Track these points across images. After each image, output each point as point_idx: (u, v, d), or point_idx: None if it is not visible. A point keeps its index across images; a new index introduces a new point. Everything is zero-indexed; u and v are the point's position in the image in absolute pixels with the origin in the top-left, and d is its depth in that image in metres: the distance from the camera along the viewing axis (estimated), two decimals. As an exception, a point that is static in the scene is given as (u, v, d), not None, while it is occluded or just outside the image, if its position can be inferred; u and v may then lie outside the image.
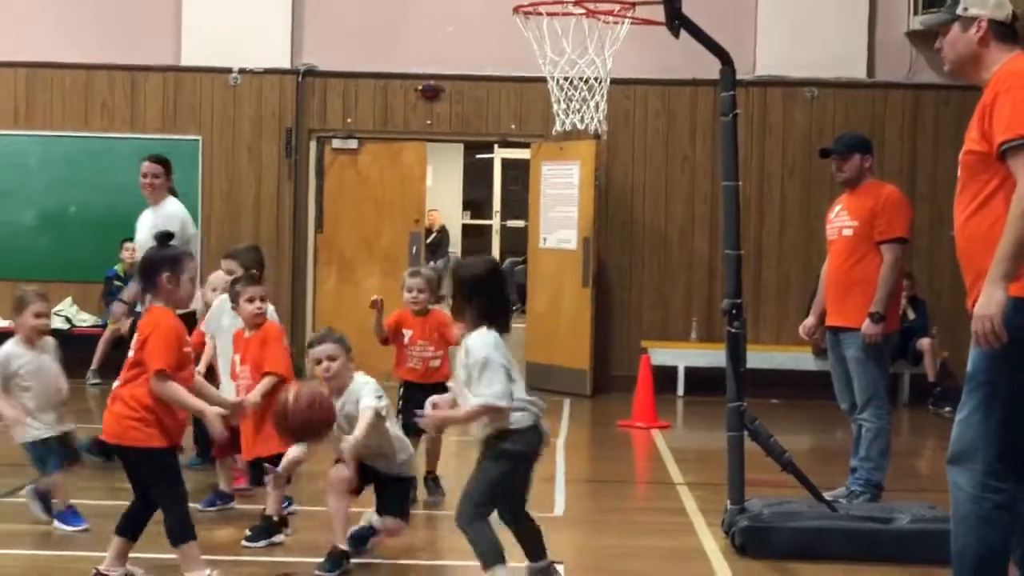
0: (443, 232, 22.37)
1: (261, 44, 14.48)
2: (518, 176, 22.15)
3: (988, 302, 4.72)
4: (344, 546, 6.42)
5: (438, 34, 14.50)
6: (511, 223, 23.02)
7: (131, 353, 5.82)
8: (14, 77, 14.57)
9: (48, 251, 14.53)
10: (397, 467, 6.62)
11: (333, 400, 6.42)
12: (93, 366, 13.95)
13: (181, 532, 5.77)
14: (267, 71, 14.54)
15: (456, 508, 5.75)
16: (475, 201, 24.41)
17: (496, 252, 23.48)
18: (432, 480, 8.29)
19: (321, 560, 6.38)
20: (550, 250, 14.33)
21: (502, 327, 5.70)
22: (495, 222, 23.87)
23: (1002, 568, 5.02)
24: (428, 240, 17.74)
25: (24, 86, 14.60)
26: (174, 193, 9.90)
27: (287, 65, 14.55)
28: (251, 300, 7.38)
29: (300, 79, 14.54)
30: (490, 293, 5.70)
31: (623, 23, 11.68)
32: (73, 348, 13.79)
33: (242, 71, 14.53)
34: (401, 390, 8.20)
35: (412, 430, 7.46)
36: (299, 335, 14.30)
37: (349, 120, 14.65)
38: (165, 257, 5.96)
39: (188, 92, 14.59)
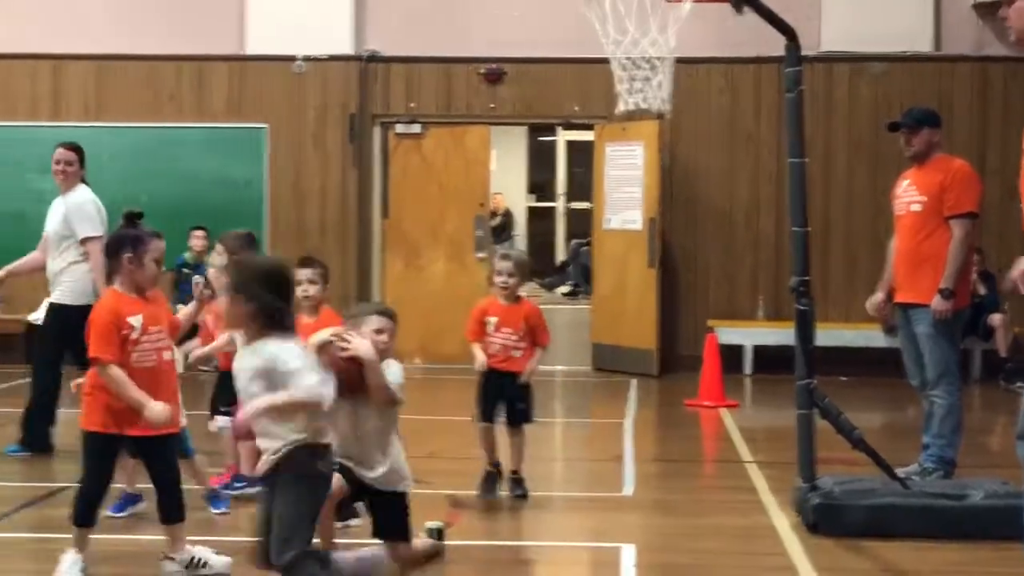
0: (508, 216, 22.37)
1: (325, 31, 14.57)
2: (582, 158, 22.12)
3: None
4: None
5: (500, 17, 14.52)
6: (575, 205, 22.99)
7: None
8: (84, 71, 14.76)
9: (119, 241, 14.67)
10: (388, 477, 5.64)
11: None
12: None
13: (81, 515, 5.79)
14: (331, 58, 14.62)
15: (271, 552, 4.98)
16: (539, 183, 24.36)
17: (561, 234, 23.46)
18: (515, 480, 7.75)
19: None
20: (615, 231, 14.32)
21: (288, 332, 5.05)
22: (559, 204, 23.84)
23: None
24: (493, 224, 17.76)
25: (94, 79, 14.78)
26: (85, 182, 9.56)
27: (351, 51, 14.63)
28: (297, 283, 6.89)
29: (364, 65, 14.62)
30: (277, 292, 5.04)
31: (686, 1, 11.61)
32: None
33: (306, 58, 14.62)
34: (481, 379, 7.74)
35: (488, 418, 7.52)
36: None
37: (413, 105, 14.70)
38: (127, 237, 5.82)
39: (253, 80, 14.70)
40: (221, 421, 7.61)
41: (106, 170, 14.75)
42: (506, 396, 7.67)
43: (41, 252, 9.44)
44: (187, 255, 14.33)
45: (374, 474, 5.59)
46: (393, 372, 5.61)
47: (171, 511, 5.89)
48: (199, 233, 14.25)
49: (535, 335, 7.71)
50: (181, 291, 14.19)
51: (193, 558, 5.91)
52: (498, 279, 7.74)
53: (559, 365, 14.34)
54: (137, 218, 5.96)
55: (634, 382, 13.25)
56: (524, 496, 7.65)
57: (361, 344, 5.47)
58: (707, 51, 14.03)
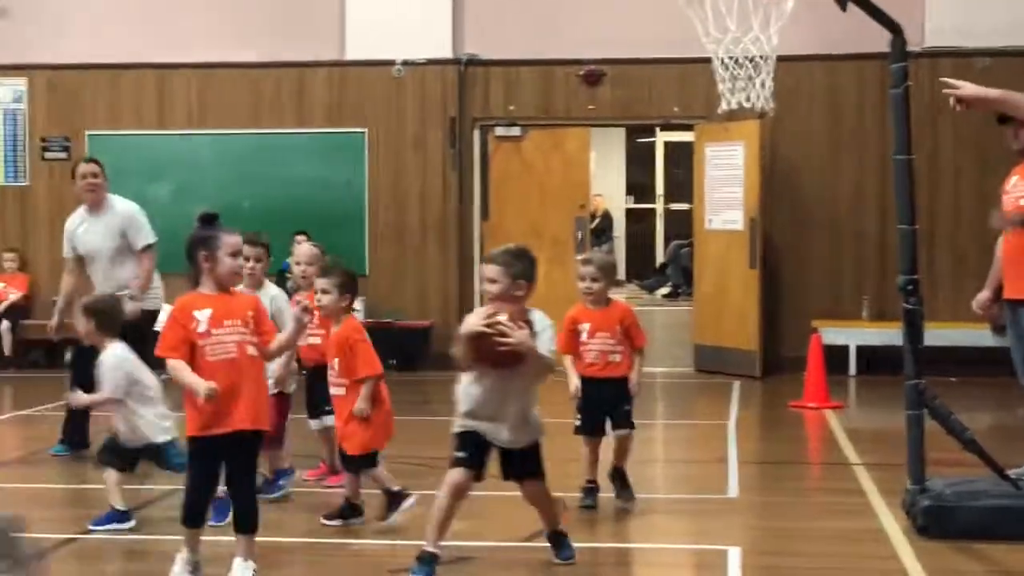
0: (607, 217, 22.32)
1: (423, 35, 14.65)
2: (680, 158, 22.00)
3: None
4: (437, 550, 5.93)
5: (599, 18, 14.48)
6: (674, 206, 22.88)
7: None
8: (187, 79, 14.98)
9: (223, 246, 14.84)
10: (530, 433, 6.06)
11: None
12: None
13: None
14: (430, 62, 14.69)
15: None
16: (638, 185, 24.28)
17: (660, 235, 23.36)
18: (619, 478, 7.56)
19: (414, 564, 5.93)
20: (716, 231, 14.22)
21: None
22: (659, 205, 23.74)
23: None
24: (592, 225, 17.73)
25: (196, 87, 15.00)
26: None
27: (449, 55, 14.69)
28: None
29: (462, 68, 14.67)
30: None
31: (789, -2, 11.51)
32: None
33: (405, 63, 14.71)
34: (579, 389, 7.42)
35: (589, 430, 7.46)
36: (468, 322, 14.45)
37: (512, 108, 14.72)
38: (200, 237, 5.81)
39: (353, 86, 14.82)
40: (327, 420, 7.70)
41: (208, 176, 15.03)
42: (609, 403, 7.44)
43: (73, 275, 9.47)
44: (291, 259, 14.45)
45: (514, 436, 5.96)
46: (546, 339, 5.87)
47: (243, 520, 5.80)
48: (301, 238, 14.37)
49: (631, 337, 7.47)
50: (286, 293, 14.34)
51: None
52: (582, 285, 7.43)
53: (660, 367, 14.27)
54: (212, 219, 5.91)
55: (737, 383, 13.14)
56: (631, 498, 7.51)
57: (520, 336, 5.68)
58: (808, 49, 13.89)
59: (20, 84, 15.15)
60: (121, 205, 9.47)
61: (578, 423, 7.51)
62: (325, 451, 8.09)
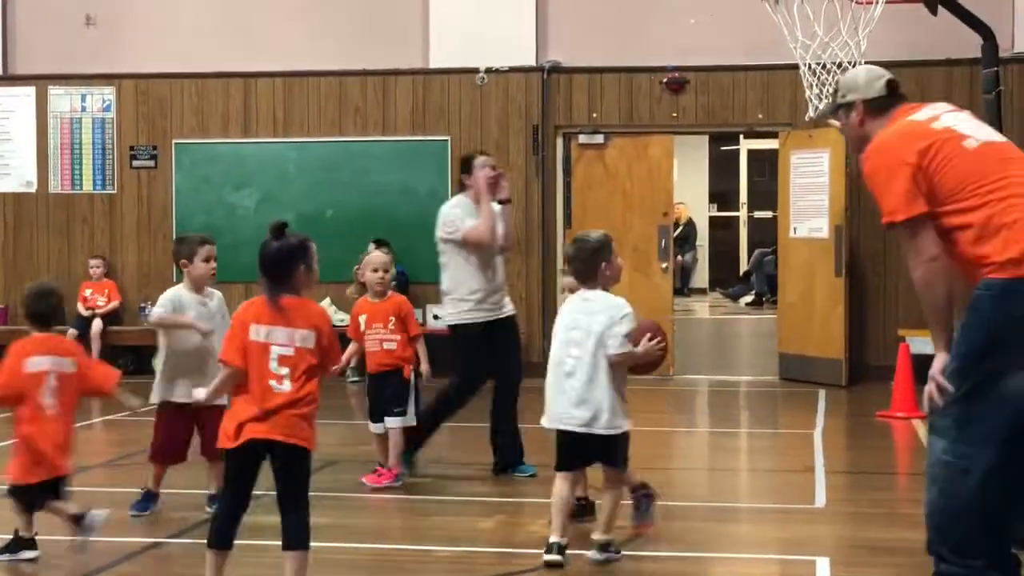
0: (690, 225, 22.25)
1: (507, 43, 14.66)
2: (764, 166, 21.87)
3: None
4: (563, 539, 6.25)
5: (682, 25, 14.43)
6: (758, 214, 22.75)
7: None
8: (272, 87, 15.11)
9: (307, 253, 14.92)
10: (612, 421, 6.33)
11: None
12: (351, 364, 14.28)
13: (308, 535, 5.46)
14: (512, 69, 14.70)
15: None
16: (721, 193, 24.18)
17: (744, 243, 23.22)
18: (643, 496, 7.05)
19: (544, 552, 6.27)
20: (801, 239, 14.09)
21: None
22: (742, 213, 23.61)
23: None
24: (676, 233, 17.65)
25: (282, 95, 15.12)
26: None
27: (532, 63, 14.69)
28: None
29: (545, 76, 14.67)
30: None
31: (878, 3, 11.36)
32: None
33: (488, 70, 14.73)
34: None
35: None
36: (550, 329, 14.43)
37: (595, 115, 14.69)
38: (296, 246, 5.59)
39: (436, 93, 14.87)
40: (390, 422, 7.85)
41: (293, 184, 15.14)
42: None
43: None
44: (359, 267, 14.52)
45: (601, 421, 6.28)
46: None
47: (289, 535, 5.43)
48: (374, 247, 14.45)
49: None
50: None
51: None
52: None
53: (744, 375, 14.14)
54: (282, 229, 5.67)
55: (823, 392, 13.00)
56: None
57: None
58: (895, 55, 13.66)
59: (109, 93, 15.37)
60: None
61: None
62: (382, 455, 8.20)
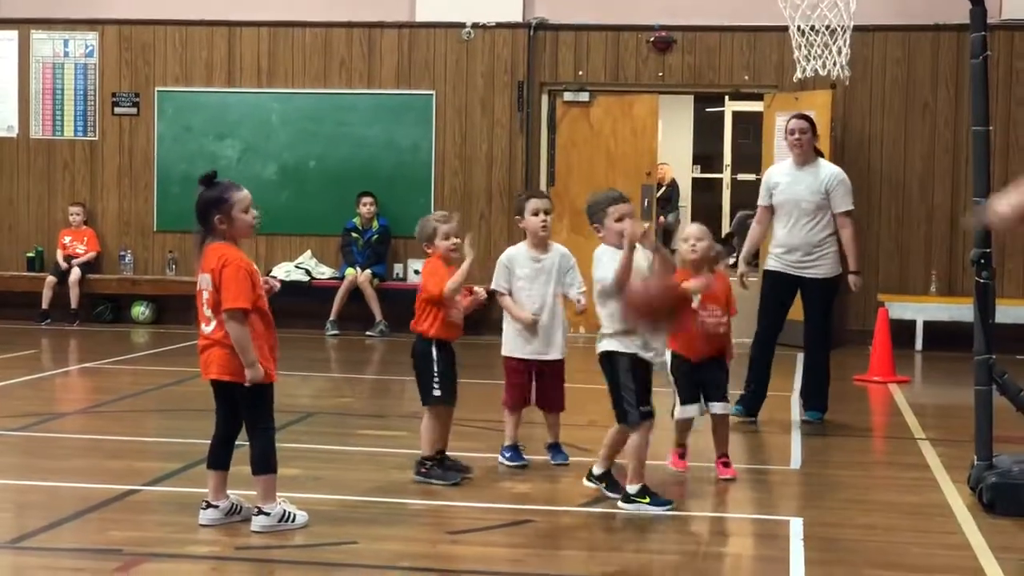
0: (673, 186, 22.19)
1: (494, -2, 14.59)
2: (749, 128, 21.81)
3: None
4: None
5: (670, -16, 14.36)
6: (741, 176, 22.72)
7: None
8: (257, 37, 15.00)
9: (288, 205, 14.91)
10: None
11: None
12: (332, 317, 14.30)
13: (264, 463, 6.01)
14: (499, 25, 14.62)
15: None
16: (705, 155, 24.14)
17: (727, 206, 23.22)
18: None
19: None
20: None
21: None
22: (726, 176, 23.58)
23: None
24: (658, 194, 17.62)
25: (267, 45, 15.02)
26: (820, 153, 9.49)
27: (519, 19, 14.62)
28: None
29: (532, 32, 14.59)
30: None
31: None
32: (313, 299, 14.27)
33: (475, 25, 14.65)
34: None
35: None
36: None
37: (580, 73, 14.63)
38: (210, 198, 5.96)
39: (422, 48, 14.79)
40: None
41: (276, 135, 15.06)
42: None
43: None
44: (356, 219, 14.51)
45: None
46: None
47: (252, 462, 6.03)
48: (367, 200, 14.43)
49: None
50: (348, 254, 14.42)
51: (285, 512, 6.04)
52: (684, 246, 7.45)
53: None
54: (211, 179, 6.04)
55: (800, 355, 12.99)
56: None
57: None
58: (883, 19, 13.71)
59: (92, 38, 15.25)
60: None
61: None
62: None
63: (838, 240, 9.23)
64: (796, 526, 6.33)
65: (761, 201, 9.46)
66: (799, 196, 9.10)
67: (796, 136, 9.18)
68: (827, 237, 9.15)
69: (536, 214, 7.68)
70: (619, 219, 6.63)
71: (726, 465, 7.38)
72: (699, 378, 7.41)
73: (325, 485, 6.98)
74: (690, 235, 7.48)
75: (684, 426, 7.51)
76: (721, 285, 7.50)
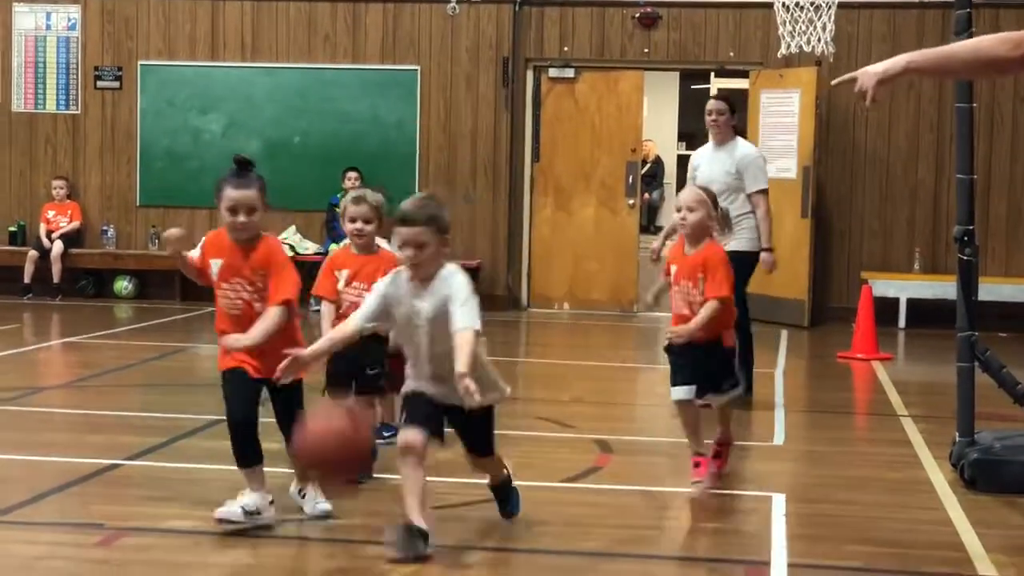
0: (658, 163, 22.21)
1: (479, -27, 14.53)
2: (733, 106, 21.78)
3: None
4: (421, 523, 5.30)
5: (656, -40, 14.32)
6: (726, 154, 22.70)
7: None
8: (241, 11, 14.93)
9: (272, 180, 14.55)
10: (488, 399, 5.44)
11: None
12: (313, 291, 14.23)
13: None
14: (484, 0, 14.57)
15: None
16: (690, 132, 24.11)
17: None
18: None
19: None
20: (769, 180, 14.03)
21: None
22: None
23: None
24: (643, 171, 17.60)
25: (251, 19, 14.94)
26: (741, 133, 9.43)
27: (504, -6, 14.57)
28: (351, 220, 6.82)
29: (517, 8, 14.55)
30: None
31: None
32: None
33: (460, 1, 14.59)
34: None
35: None
36: (514, 263, 14.51)
37: (566, 49, 14.60)
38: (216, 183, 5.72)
39: (407, 23, 14.73)
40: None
41: (260, 110, 15.00)
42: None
43: None
44: (341, 195, 14.45)
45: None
46: (462, 317, 5.36)
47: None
48: (352, 175, 14.38)
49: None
50: (333, 229, 14.38)
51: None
52: (677, 215, 6.79)
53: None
54: (246, 166, 5.72)
55: (784, 332, 13.06)
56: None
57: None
58: (869, -4, 13.70)
59: (74, 11, 15.15)
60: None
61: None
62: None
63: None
64: (778, 502, 6.34)
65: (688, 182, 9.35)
66: (714, 176, 9.04)
67: (713, 117, 9.22)
68: (743, 215, 9.07)
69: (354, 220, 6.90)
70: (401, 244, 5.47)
71: (695, 465, 6.68)
72: (692, 362, 6.54)
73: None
74: (682, 202, 6.73)
75: (681, 414, 6.74)
76: (696, 259, 6.58)
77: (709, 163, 9.18)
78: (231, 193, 5.62)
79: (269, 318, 5.55)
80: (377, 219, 6.85)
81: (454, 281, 5.37)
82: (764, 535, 5.83)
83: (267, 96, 14.97)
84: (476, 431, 5.64)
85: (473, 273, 14.47)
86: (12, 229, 15.13)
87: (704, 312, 6.46)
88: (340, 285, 6.84)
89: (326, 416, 5.40)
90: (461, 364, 5.09)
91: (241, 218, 5.61)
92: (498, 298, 14.39)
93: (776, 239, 13.79)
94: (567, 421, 8.13)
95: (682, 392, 6.62)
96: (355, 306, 6.06)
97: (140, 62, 15.07)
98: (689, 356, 6.56)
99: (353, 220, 6.83)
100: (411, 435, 5.34)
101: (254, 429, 5.60)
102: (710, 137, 9.29)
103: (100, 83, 15.14)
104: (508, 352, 12.01)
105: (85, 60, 15.15)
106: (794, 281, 13.68)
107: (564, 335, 13.68)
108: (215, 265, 5.67)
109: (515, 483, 5.93)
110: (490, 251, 14.63)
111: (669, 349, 6.68)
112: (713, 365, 6.59)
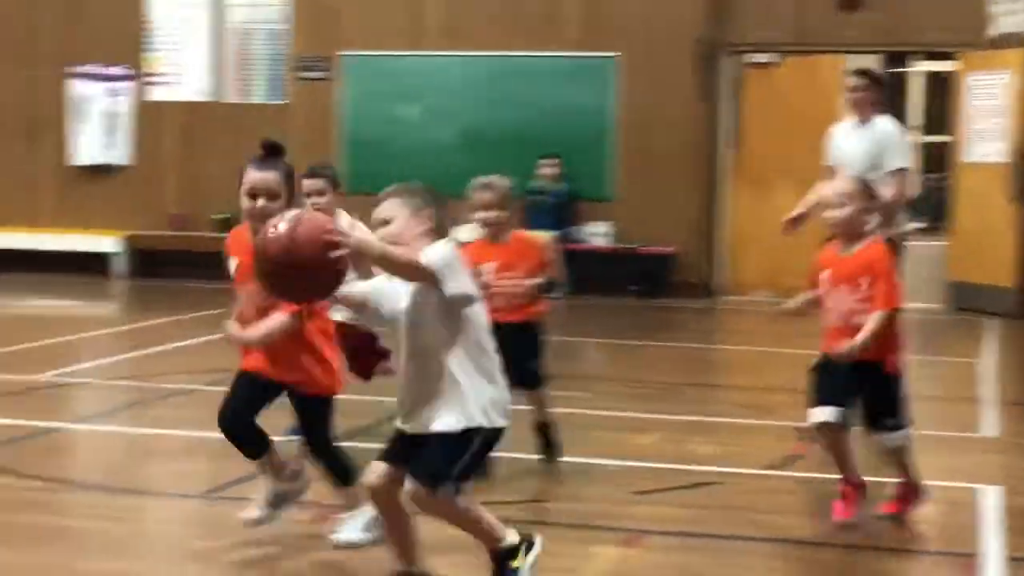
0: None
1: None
2: (937, 89, 21.25)
3: None
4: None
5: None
6: (930, 138, 22.14)
7: None
8: (442, 1, 15.05)
9: (469, 168, 14.81)
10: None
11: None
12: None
13: None
14: (683, -14, 14.45)
15: None
16: (893, 116, 23.59)
17: (919, 167, 22.65)
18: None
19: None
20: (976, 164, 13.68)
21: None
22: (916, 138, 23.00)
23: None
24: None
25: (449, 10, 15.06)
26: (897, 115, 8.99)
27: (703, -21, 14.43)
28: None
29: (715, -7, 14.40)
30: None
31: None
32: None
33: (658, -14, 14.50)
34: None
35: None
36: (714, 253, 14.40)
37: (765, 34, 14.38)
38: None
39: (605, 9, 14.68)
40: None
41: (459, 98, 15.14)
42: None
43: None
44: (539, 183, 14.51)
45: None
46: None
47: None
48: (553, 161, 14.44)
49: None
50: (533, 218, 14.39)
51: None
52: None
53: (910, 303, 13.78)
54: (276, 151, 5.27)
55: (993, 322, 12.66)
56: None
57: None
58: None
59: (283, 2, 15.49)
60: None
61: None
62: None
63: None
64: (993, 494, 6.15)
65: (824, 161, 8.92)
66: (853, 154, 8.52)
67: (853, 92, 8.57)
68: None
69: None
70: None
71: (842, 496, 5.76)
72: (844, 383, 5.57)
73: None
74: (827, 198, 5.82)
75: (825, 442, 5.76)
76: (856, 262, 5.62)
77: (847, 139, 8.75)
78: (251, 175, 5.13)
79: (274, 319, 5.00)
80: (503, 207, 6.50)
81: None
82: (976, 527, 5.66)
83: (465, 84, 15.06)
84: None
85: (668, 260, 14.41)
86: (218, 217, 15.53)
87: (871, 324, 5.48)
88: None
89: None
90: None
91: (260, 203, 5.07)
92: (693, 286, 14.30)
93: (983, 225, 13.54)
94: (766, 408, 8.02)
95: (826, 413, 5.54)
96: (505, 296, 6.04)
97: (340, 53, 15.32)
98: (841, 376, 5.57)
99: (487, 208, 6.45)
100: (370, 474, 4.53)
101: (243, 430, 5.20)
102: (851, 114, 8.78)
103: (305, 74, 15.46)
104: (703, 340, 11.93)
105: (291, 51, 15.46)
106: (1002, 268, 13.28)
107: (761, 323, 13.50)
108: (232, 264, 5.20)
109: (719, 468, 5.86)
110: (685, 239, 14.52)
111: (819, 368, 5.71)
112: (871, 393, 5.62)
